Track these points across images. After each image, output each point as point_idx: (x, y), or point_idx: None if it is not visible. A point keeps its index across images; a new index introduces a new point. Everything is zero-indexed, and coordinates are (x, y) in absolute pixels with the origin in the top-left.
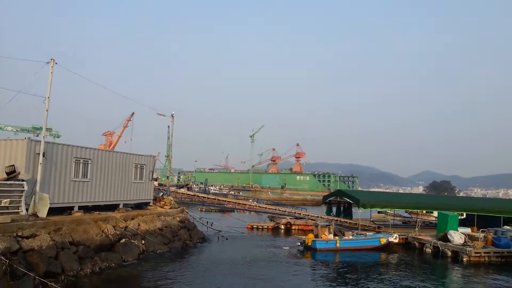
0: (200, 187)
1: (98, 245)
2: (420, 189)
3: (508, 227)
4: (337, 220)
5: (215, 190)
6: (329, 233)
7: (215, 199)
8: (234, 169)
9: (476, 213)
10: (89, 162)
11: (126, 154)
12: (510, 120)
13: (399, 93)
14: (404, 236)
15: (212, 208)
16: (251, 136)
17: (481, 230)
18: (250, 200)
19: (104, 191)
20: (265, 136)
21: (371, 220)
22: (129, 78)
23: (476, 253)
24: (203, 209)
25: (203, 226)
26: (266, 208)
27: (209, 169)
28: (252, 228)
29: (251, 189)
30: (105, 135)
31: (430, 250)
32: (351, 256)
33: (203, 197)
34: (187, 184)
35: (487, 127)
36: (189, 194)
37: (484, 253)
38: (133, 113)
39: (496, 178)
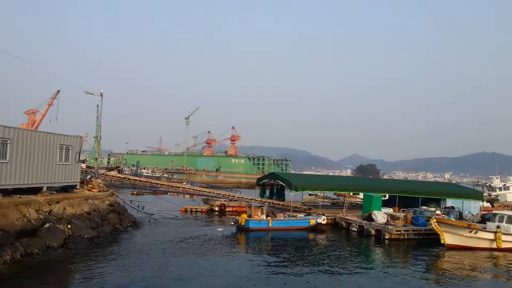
0: (132, 170)
1: (19, 231)
2: (348, 172)
3: (425, 207)
4: (270, 202)
5: (148, 173)
6: (262, 214)
7: (147, 181)
8: (168, 152)
9: (397, 194)
10: (8, 142)
11: (50, 134)
12: (429, 108)
13: (332, 80)
14: (332, 217)
15: (144, 191)
16: (186, 118)
17: (402, 210)
18: (184, 183)
19: (25, 173)
20: (201, 119)
21: (303, 202)
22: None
23: (396, 231)
24: (135, 192)
25: (135, 209)
26: (200, 190)
27: (142, 151)
28: (185, 211)
29: (186, 172)
30: (27, 114)
31: (356, 229)
32: (282, 236)
33: (135, 179)
34: (118, 167)
35: (409, 112)
36: (119, 177)
37: (404, 231)
38: (58, 91)
39: (416, 162)
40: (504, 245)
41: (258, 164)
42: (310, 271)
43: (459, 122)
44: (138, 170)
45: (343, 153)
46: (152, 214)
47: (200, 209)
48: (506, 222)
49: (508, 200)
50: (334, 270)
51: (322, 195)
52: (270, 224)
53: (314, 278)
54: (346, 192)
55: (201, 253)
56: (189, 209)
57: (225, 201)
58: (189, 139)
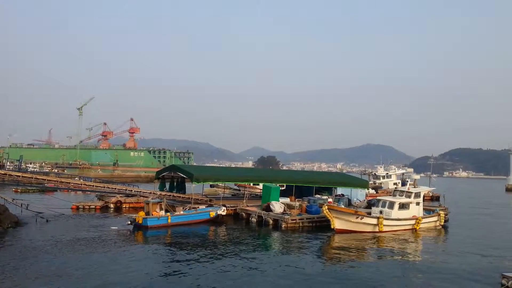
0: (16, 165)
1: None
2: (250, 164)
3: (318, 196)
4: (170, 195)
5: (35, 168)
6: (161, 209)
7: (32, 177)
8: (59, 145)
9: (294, 184)
10: None
11: None
12: (320, 101)
13: (232, 76)
14: (233, 208)
15: (30, 188)
16: (79, 109)
17: (297, 199)
18: (76, 178)
19: None
20: (96, 109)
21: (204, 194)
22: None
23: (292, 219)
24: (19, 190)
25: (18, 208)
26: (93, 186)
27: (28, 144)
28: (77, 208)
29: (79, 166)
30: None
31: (255, 220)
32: (183, 231)
33: (17, 176)
34: None
35: (305, 106)
36: None
37: (299, 219)
38: None
39: (312, 154)
40: (385, 229)
41: (159, 157)
42: (208, 265)
43: (349, 116)
44: (23, 165)
45: (245, 145)
46: (40, 213)
47: (93, 206)
48: (387, 208)
49: (390, 187)
50: (231, 262)
51: (223, 186)
52: (169, 220)
53: (212, 272)
54: (246, 183)
55: (90, 254)
56: (81, 206)
57: (121, 197)
58: (83, 131)
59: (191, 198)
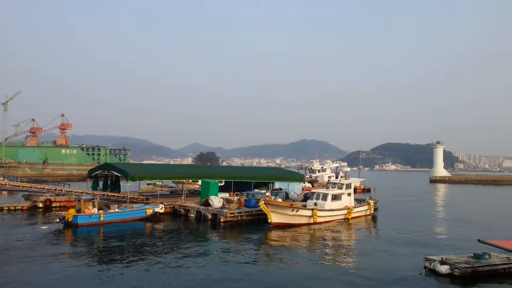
0: None
1: None
2: (189, 160)
3: (257, 190)
4: (103, 194)
5: None
6: (94, 207)
7: None
8: None
9: (233, 180)
10: None
11: None
12: (262, 99)
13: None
14: (171, 205)
15: None
16: (3, 104)
17: (236, 194)
18: (1, 178)
19: None
20: (22, 105)
21: (140, 192)
22: None
23: (231, 213)
24: None
25: None
26: (19, 186)
27: None
28: (1, 209)
29: (4, 165)
30: None
31: (194, 215)
32: (117, 229)
33: None
34: None
35: (244, 104)
36: None
37: (237, 213)
38: None
39: (252, 149)
40: (320, 220)
41: (93, 154)
42: (141, 263)
43: (287, 113)
44: None
45: (184, 142)
46: None
47: (20, 207)
48: (321, 199)
49: (325, 181)
50: (166, 258)
51: (161, 183)
52: (102, 218)
53: (146, 270)
54: (185, 180)
55: (15, 258)
56: (6, 208)
57: (50, 195)
58: (9, 128)
59: (127, 197)
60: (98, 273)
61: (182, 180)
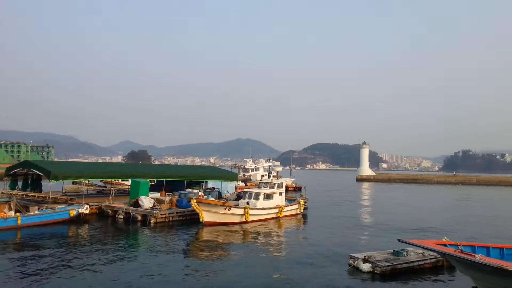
0: None
1: None
2: (119, 159)
3: (190, 190)
4: (22, 194)
5: None
6: (10, 209)
7: None
8: None
9: (165, 179)
10: None
11: None
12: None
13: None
14: (98, 206)
15: None
16: None
17: (168, 194)
18: None
19: None
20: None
21: (64, 192)
22: None
23: (161, 214)
24: None
25: None
26: None
27: None
28: None
29: None
30: None
31: (122, 217)
32: (36, 233)
33: None
34: None
35: (179, 100)
36: None
37: (169, 214)
38: None
39: (186, 148)
40: (251, 218)
41: (13, 151)
42: (63, 270)
43: (221, 111)
44: None
45: (114, 139)
46: None
47: None
48: (253, 198)
49: (258, 179)
50: (94, 263)
51: (87, 183)
52: (19, 222)
53: (68, 277)
54: (113, 179)
55: None
56: None
57: None
58: None
59: (49, 197)
60: (12, 285)
61: (110, 179)
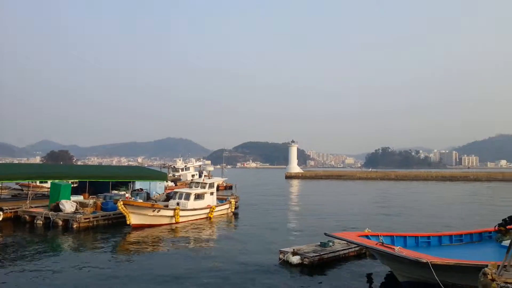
0: None
1: None
2: (37, 160)
3: (116, 192)
4: None
5: None
6: None
7: None
8: None
9: (88, 180)
10: None
11: None
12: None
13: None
14: (13, 211)
15: None
16: None
17: (92, 197)
18: None
19: None
20: None
21: None
22: None
23: (85, 218)
24: None
25: None
26: None
27: None
28: None
29: None
30: None
31: (42, 222)
32: None
33: None
34: None
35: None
36: None
37: (93, 217)
38: None
39: (111, 148)
40: (182, 219)
41: None
42: None
43: (150, 109)
44: None
45: (31, 139)
46: None
47: None
48: (184, 199)
49: (188, 179)
50: (8, 275)
51: (0, 186)
52: None
53: None
54: (30, 182)
55: None
56: None
57: None
58: None
59: None
60: None
61: (27, 181)
